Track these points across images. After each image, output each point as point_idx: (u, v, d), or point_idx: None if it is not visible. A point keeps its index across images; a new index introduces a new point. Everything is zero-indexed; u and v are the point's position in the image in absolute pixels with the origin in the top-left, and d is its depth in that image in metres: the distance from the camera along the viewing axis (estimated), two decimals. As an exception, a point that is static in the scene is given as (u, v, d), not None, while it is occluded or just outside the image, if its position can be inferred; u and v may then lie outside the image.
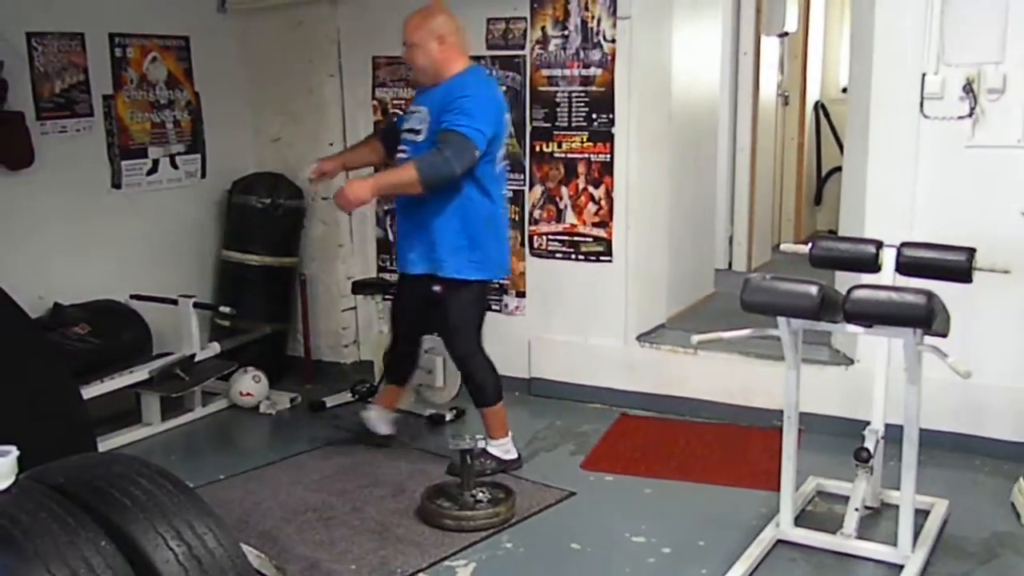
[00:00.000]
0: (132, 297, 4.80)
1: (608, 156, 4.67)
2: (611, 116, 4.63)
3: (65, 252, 4.60)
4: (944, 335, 3.14)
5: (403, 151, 3.86)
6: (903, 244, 3.41)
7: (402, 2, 4.95)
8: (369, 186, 3.79)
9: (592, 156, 4.71)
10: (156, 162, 5.02)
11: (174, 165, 5.12)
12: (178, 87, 5.10)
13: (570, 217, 4.79)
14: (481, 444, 3.85)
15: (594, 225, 4.76)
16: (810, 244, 3.59)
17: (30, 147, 4.37)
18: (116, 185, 4.84)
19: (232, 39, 5.36)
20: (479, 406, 4.02)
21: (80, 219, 4.67)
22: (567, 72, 4.69)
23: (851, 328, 3.09)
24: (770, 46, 6.67)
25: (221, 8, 5.27)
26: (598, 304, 4.81)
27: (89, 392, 4.17)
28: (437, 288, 3.84)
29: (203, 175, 5.28)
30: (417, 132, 3.80)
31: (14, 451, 1.92)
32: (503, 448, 4.03)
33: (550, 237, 4.86)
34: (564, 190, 4.80)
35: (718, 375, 4.59)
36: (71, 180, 4.61)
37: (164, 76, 5.03)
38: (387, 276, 5.25)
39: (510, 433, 4.06)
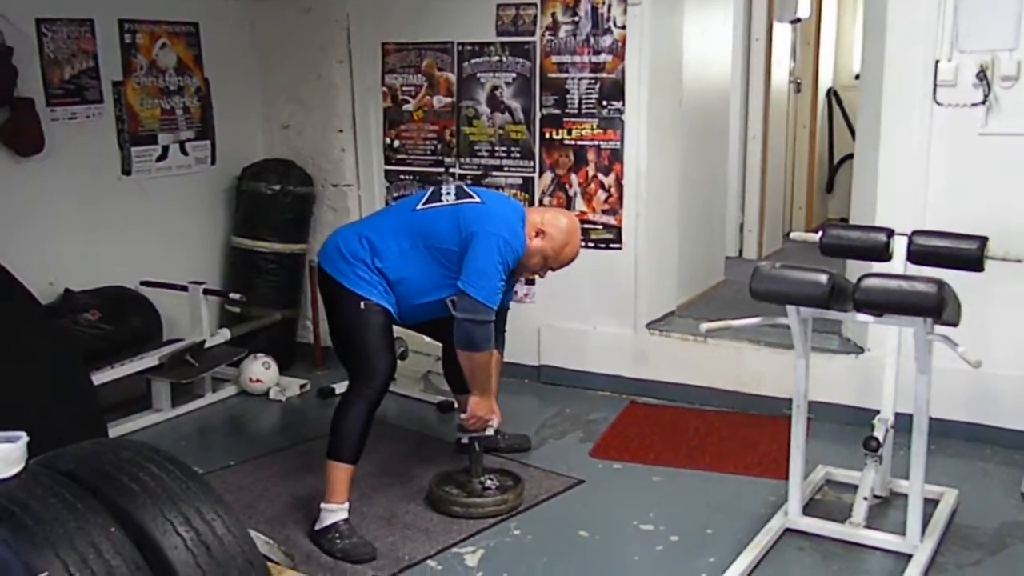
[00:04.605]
0: (142, 283, 4.81)
1: (618, 143, 4.65)
2: (621, 103, 4.61)
3: (75, 239, 4.61)
4: (955, 324, 3.13)
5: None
6: (915, 232, 3.39)
7: (412, -12, 4.98)
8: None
9: (602, 143, 4.69)
10: (166, 148, 5.02)
11: (184, 152, 5.12)
12: (188, 73, 5.10)
13: (580, 204, 4.78)
14: (490, 431, 3.85)
15: (604, 212, 4.75)
16: (821, 232, 3.58)
17: (40, 134, 4.37)
18: (126, 171, 4.84)
19: (241, 25, 5.36)
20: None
21: (90, 205, 4.68)
22: (577, 59, 4.67)
23: (861, 317, 3.08)
24: (782, 32, 6.63)
25: (230, -6, 5.28)
26: (608, 292, 4.80)
27: (99, 378, 4.18)
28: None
29: (213, 162, 5.28)
30: None
31: (24, 437, 1.93)
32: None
33: (560, 224, 4.85)
34: (574, 177, 4.78)
35: (728, 363, 4.58)
36: (81, 167, 4.62)
37: (174, 62, 5.02)
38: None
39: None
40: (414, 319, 3.66)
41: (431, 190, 3.62)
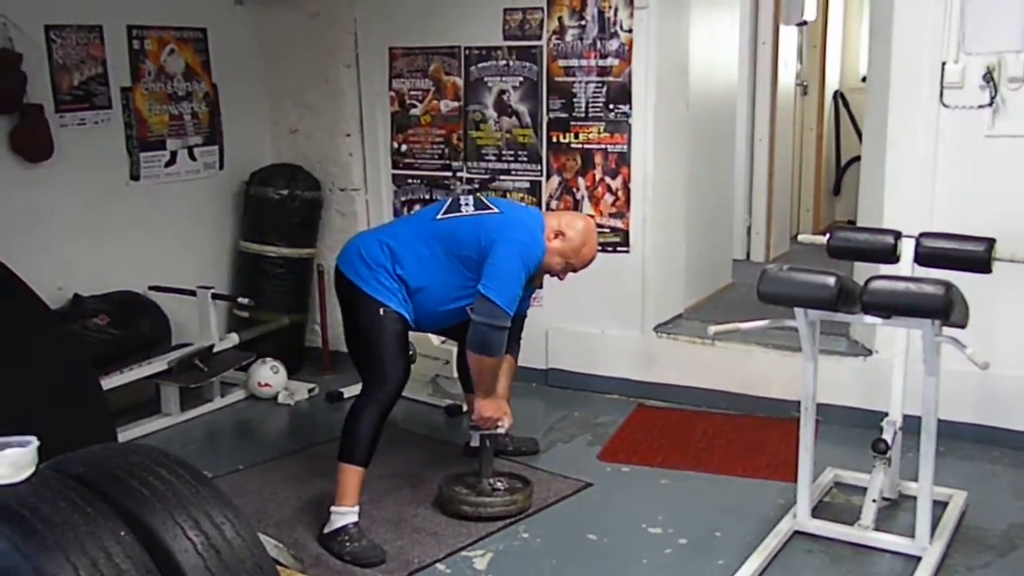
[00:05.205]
0: (151, 288, 4.82)
1: (625, 146, 4.66)
2: (628, 106, 4.61)
3: (84, 244, 4.63)
4: (963, 326, 3.13)
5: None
6: (922, 234, 3.39)
7: (419, -7, 4.99)
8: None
9: (609, 147, 4.69)
10: (174, 154, 5.04)
11: (192, 157, 5.14)
12: (196, 79, 5.12)
13: (587, 208, 4.78)
14: (501, 430, 3.83)
15: (611, 216, 4.75)
16: (828, 234, 3.58)
17: (49, 139, 4.39)
18: (135, 177, 4.87)
19: (249, 30, 5.38)
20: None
21: (99, 211, 4.70)
22: (584, 62, 4.67)
23: (869, 319, 3.08)
24: (789, 35, 6.63)
25: (238, 0, 5.29)
26: (615, 295, 4.80)
27: (109, 383, 4.20)
28: None
29: (221, 167, 5.30)
30: None
31: (34, 441, 1.94)
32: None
33: (567, 228, 4.85)
34: (581, 181, 4.79)
35: (736, 366, 4.57)
36: (90, 172, 4.64)
37: (182, 68, 5.04)
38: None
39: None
40: (431, 325, 3.70)
41: (450, 200, 3.66)
